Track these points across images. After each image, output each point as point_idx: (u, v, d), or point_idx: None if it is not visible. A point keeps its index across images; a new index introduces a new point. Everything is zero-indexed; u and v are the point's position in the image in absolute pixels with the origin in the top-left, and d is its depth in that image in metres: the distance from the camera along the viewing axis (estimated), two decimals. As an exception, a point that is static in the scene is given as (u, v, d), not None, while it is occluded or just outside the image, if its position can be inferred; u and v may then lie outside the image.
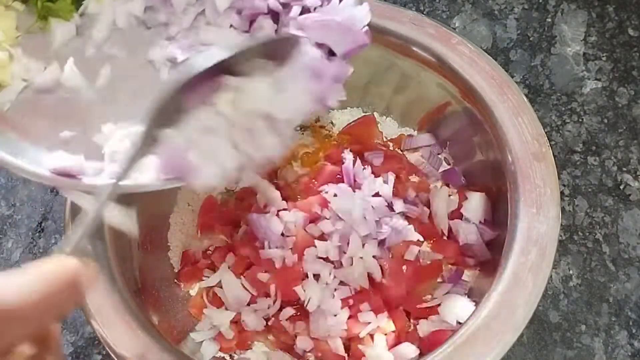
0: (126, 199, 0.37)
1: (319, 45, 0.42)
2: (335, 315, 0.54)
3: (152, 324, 0.49)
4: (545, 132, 0.52)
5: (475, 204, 0.56)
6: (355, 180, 0.59)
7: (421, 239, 0.58)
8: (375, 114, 0.65)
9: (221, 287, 0.57)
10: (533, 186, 0.50)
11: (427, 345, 0.52)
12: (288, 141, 0.39)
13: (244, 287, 0.56)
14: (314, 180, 0.60)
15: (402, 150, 0.64)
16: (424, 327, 0.54)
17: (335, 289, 0.55)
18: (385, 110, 0.65)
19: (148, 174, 0.39)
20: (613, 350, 0.58)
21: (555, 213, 0.49)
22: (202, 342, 0.56)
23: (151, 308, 0.54)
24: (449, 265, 0.58)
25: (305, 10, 0.44)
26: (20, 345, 0.29)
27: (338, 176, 0.60)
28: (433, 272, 0.57)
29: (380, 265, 0.55)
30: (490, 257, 0.55)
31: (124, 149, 0.41)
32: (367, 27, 0.43)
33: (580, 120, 0.68)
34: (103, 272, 0.49)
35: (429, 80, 0.58)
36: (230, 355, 0.56)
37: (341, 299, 0.54)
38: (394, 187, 0.59)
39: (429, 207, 0.60)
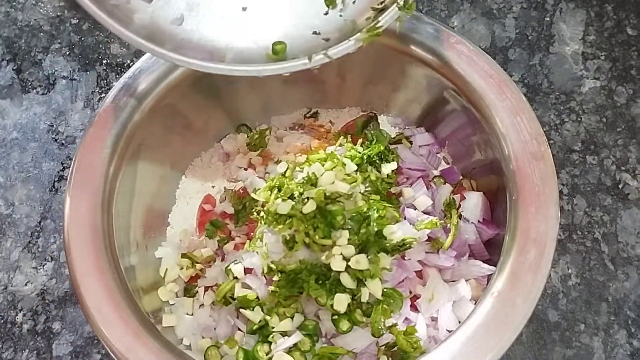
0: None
1: None
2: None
3: (152, 323, 0.49)
4: (544, 131, 0.52)
5: (473, 203, 0.56)
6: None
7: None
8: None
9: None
10: (532, 185, 0.50)
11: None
12: None
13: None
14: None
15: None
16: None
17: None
18: (384, 108, 0.65)
19: None
20: (612, 349, 0.58)
21: (554, 212, 0.49)
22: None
23: (151, 307, 0.54)
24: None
25: None
26: None
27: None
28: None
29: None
30: (489, 257, 0.55)
31: None
32: None
33: (578, 119, 0.68)
34: (103, 271, 0.49)
35: (427, 80, 0.58)
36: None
37: None
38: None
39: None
